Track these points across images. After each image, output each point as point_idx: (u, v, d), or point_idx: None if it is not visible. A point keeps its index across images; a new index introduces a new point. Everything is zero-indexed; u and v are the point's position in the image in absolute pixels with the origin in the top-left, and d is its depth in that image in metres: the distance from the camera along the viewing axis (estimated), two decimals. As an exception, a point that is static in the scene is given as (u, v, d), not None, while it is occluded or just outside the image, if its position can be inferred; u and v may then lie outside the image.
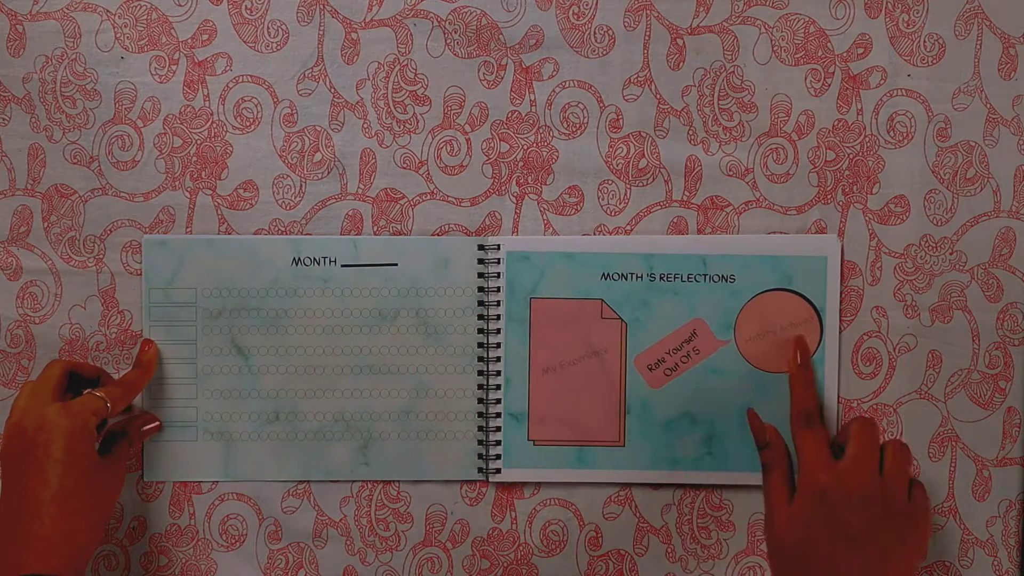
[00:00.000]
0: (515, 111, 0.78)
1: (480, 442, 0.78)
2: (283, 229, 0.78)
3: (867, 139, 0.78)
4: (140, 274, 0.77)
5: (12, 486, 0.68)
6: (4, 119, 0.77)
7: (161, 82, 0.77)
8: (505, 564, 0.79)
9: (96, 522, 0.69)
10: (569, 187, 0.78)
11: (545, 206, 0.78)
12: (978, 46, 0.78)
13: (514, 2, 0.78)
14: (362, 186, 0.78)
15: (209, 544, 0.79)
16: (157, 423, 0.77)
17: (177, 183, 0.78)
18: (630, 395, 0.78)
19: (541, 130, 0.78)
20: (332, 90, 0.78)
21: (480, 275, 0.78)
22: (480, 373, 0.78)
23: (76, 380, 0.74)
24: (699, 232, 0.78)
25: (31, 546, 0.66)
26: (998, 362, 0.78)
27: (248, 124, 0.78)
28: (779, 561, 0.70)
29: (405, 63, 0.78)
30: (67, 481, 0.67)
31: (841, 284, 0.78)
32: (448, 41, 0.78)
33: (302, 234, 0.78)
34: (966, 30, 0.78)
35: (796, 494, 0.70)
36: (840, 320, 0.78)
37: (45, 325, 0.78)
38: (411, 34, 0.78)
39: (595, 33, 0.78)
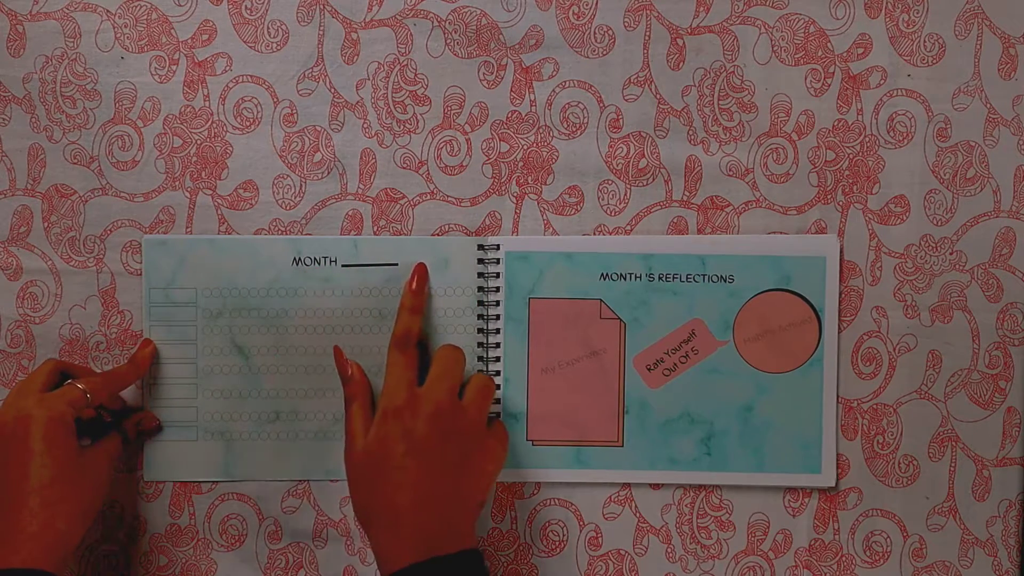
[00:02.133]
0: (515, 111, 0.78)
1: (479, 442, 0.78)
2: (283, 229, 0.78)
3: (867, 139, 0.78)
4: (140, 274, 0.78)
5: None
6: (4, 119, 0.77)
7: (161, 82, 0.77)
8: (505, 564, 0.79)
9: (78, 512, 0.68)
10: (569, 187, 0.78)
11: (545, 206, 0.78)
12: (978, 46, 0.78)
13: (514, 2, 0.78)
14: (362, 186, 0.78)
15: (209, 544, 0.79)
16: (156, 422, 0.77)
17: (177, 183, 0.78)
18: (629, 395, 0.78)
19: (541, 130, 0.78)
20: (332, 90, 0.78)
21: (480, 275, 0.78)
22: (479, 372, 0.78)
23: (67, 380, 0.73)
24: (699, 232, 0.78)
25: (8, 540, 0.66)
26: (998, 362, 0.78)
27: (248, 124, 0.78)
28: (358, 483, 0.71)
29: (405, 63, 0.78)
30: (45, 471, 0.67)
31: (841, 284, 0.78)
32: (448, 41, 0.78)
33: (302, 234, 0.78)
34: (966, 30, 0.78)
35: (376, 415, 0.71)
36: (840, 320, 0.78)
37: (45, 325, 0.78)
38: (411, 34, 0.78)
39: (595, 33, 0.78)
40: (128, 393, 0.78)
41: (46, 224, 0.77)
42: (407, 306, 0.76)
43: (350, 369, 0.75)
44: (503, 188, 0.78)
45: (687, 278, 0.78)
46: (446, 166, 0.78)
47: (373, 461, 0.70)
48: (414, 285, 0.76)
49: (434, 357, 0.74)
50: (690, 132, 0.78)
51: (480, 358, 0.78)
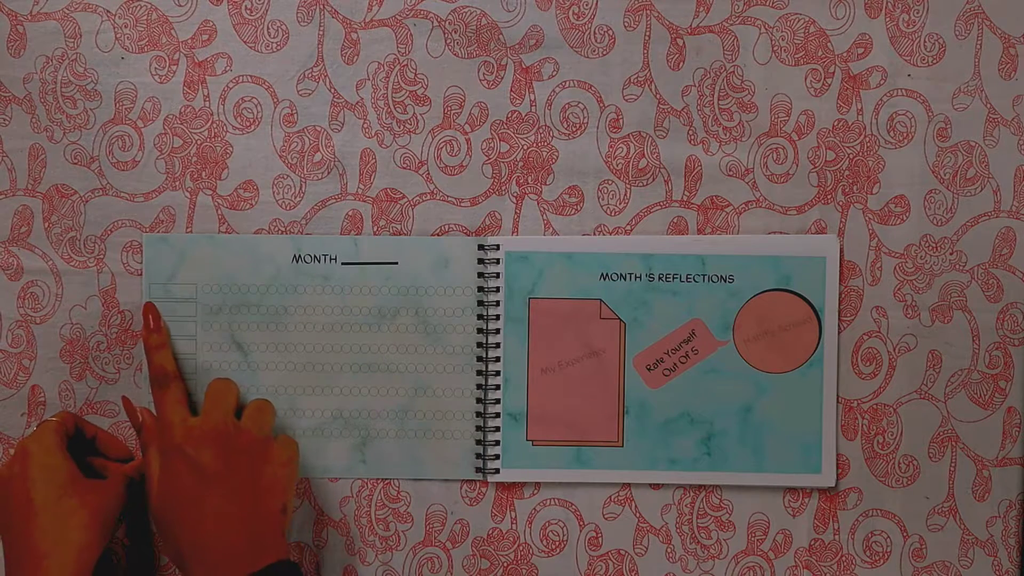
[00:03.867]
0: (515, 111, 0.78)
1: (478, 442, 0.78)
2: (283, 229, 0.78)
3: (867, 139, 0.78)
4: (140, 274, 0.78)
5: (5, 531, 0.70)
6: (5, 119, 0.77)
7: (161, 82, 0.77)
8: (505, 564, 0.79)
9: (94, 522, 0.69)
10: (569, 187, 0.78)
11: (545, 206, 0.78)
12: (978, 46, 0.78)
13: (514, 2, 0.78)
14: (362, 186, 0.78)
15: (209, 544, 0.79)
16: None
17: (177, 183, 0.78)
18: (629, 395, 0.78)
19: (541, 130, 0.78)
20: (332, 90, 0.78)
21: (480, 275, 0.78)
22: (479, 373, 0.78)
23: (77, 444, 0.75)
24: (699, 232, 0.78)
25: (27, 566, 0.67)
26: (998, 362, 0.78)
27: (248, 124, 0.78)
28: (162, 529, 0.70)
29: (405, 63, 0.78)
30: (50, 490, 0.69)
31: (841, 284, 0.78)
32: (448, 41, 0.78)
33: (302, 234, 0.78)
34: (966, 30, 0.78)
35: (162, 457, 0.71)
36: (840, 320, 0.78)
37: (46, 325, 0.78)
38: (411, 34, 0.78)
39: (595, 33, 0.78)
40: (128, 391, 0.78)
41: (47, 224, 0.78)
42: (151, 346, 0.76)
43: (140, 416, 0.74)
44: (503, 188, 0.78)
45: (687, 278, 0.78)
46: (446, 166, 0.78)
47: (169, 499, 0.70)
48: (150, 324, 0.77)
49: (206, 392, 0.74)
50: (690, 132, 0.78)
51: (480, 358, 0.78)
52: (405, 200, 0.78)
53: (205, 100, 0.78)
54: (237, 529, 0.69)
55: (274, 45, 0.78)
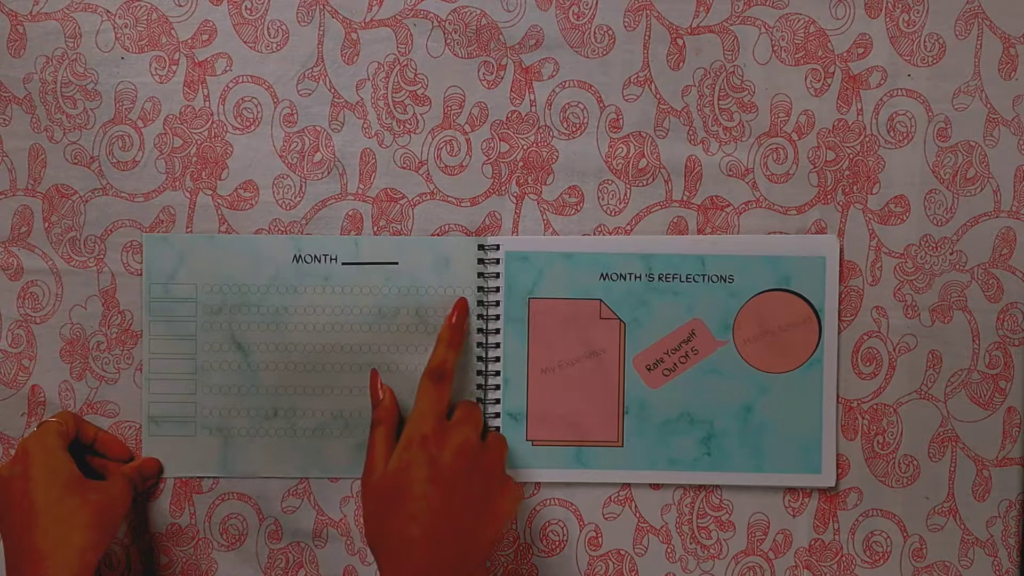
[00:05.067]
0: (515, 111, 0.78)
1: (479, 441, 0.78)
2: (283, 229, 0.78)
3: (867, 139, 0.78)
4: (140, 274, 0.78)
5: (6, 531, 0.70)
6: (5, 119, 0.77)
7: (161, 82, 0.77)
8: (505, 564, 0.79)
9: (94, 524, 0.69)
10: (569, 187, 0.78)
11: (545, 206, 0.78)
12: (978, 46, 0.78)
13: (514, 2, 0.78)
14: (362, 186, 0.78)
15: (209, 544, 0.79)
16: (157, 464, 0.78)
17: (177, 183, 0.78)
18: (629, 395, 0.78)
19: (541, 130, 0.78)
20: (332, 90, 0.78)
21: (480, 275, 0.78)
22: (479, 373, 0.78)
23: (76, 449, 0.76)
24: (699, 232, 0.78)
25: (29, 565, 0.67)
26: (998, 362, 0.78)
27: (248, 124, 0.78)
28: (376, 507, 0.70)
29: (405, 63, 0.78)
30: (52, 492, 0.69)
31: (841, 284, 0.78)
32: (448, 41, 0.78)
33: (302, 234, 0.78)
34: (966, 30, 0.78)
35: (400, 440, 0.71)
36: (840, 320, 0.78)
37: (46, 325, 0.78)
38: (411, 34, 0.78)
39: (595, 33, 0.78)
40: (128, 391, 0.78)
41: (47, 224, 0.78)
42: (445, 339, 0.76)
43: (382, 393, 0.75)
44: (503, 188, 0.78)
45: (687, 278, 0.78)
46: (446, 166, 0.78)
47: (393, 487, 0.70)
48: (454, 319, 0.76)
49: (456, 406, 0.74)
50: (690, 132, 0.78)
51: (480, 358, 0.78)
52: (405, 200, 0.78)
53: (205, 100, 0.78)
54: (448, 544, 0.68)
55: (274, 45, 0.78)
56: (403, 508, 0.69)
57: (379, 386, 0.76)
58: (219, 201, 0.78)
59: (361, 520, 0.79)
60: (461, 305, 0.77)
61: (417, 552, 0.67)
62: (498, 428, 0.78)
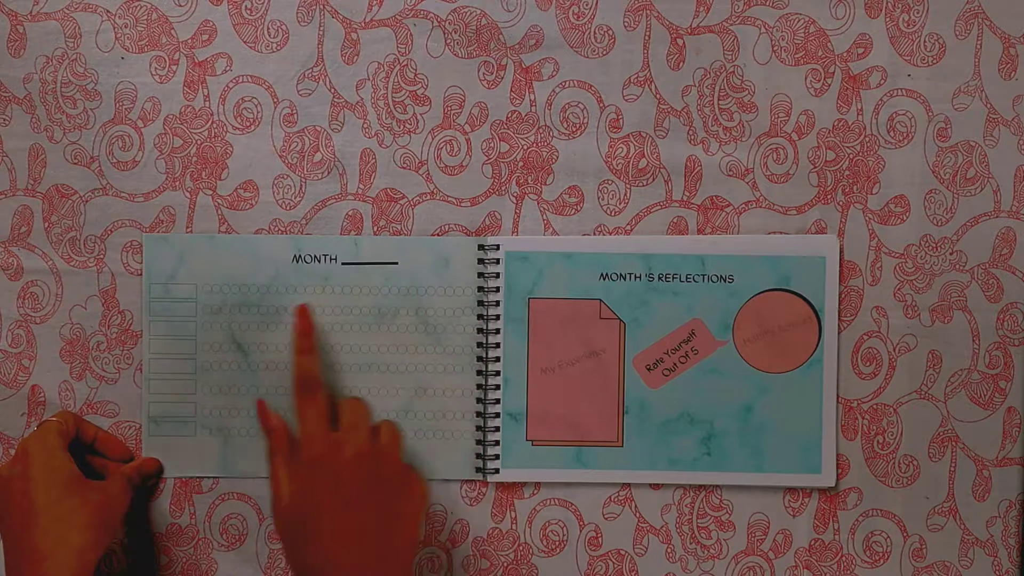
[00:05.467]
0: (515, 111, 0.78)
1: (478, 442, 0.78)
2: (283, 229, 0.78)
3: (867, 139, 0.78)
4: (140, 274, 0.78)
5: (6, 531, 0.70)
6: (5, 119, 0.77)
7: (161, 82, 0.77)
8: (505, 564, 0.79)
9: (93, 524, 0.69)
10: (569, 187, 0.78)
11: (545, 206, 0.78)
12: (978, 46, 0.78)
13: (514, 2, 0.78)
14: (362, 186, 0.78)
15: (209, 544, 0.79)
16: (156, 464, 0.78)
17: (177, 183, 0.78)
18: (628, 395, 0.78)
19: (541, 130, 0.78)
20: (332, 90, 0.78)
21: (480, 275, 0.78)
22: (479, 373, 0.78)
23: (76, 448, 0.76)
24: (699, 232, 0.78)
25: (29, 563, 0.67)
26: (998, 362, 0.78)
27: (248, 124, 0.78)
28: (288, 538, 0.69)
29: (405, 63, 0.78)
30: (51, 492, 0.69)
31: (841, 284, 0.78)
32: (448, 41, 0.78)
33: (302, 234, 0.78)
34: (966, 30, 0.78)
35: (295, 467, 0.70)
36: (840, 320, 0.78)
37: (46, 325, 0.78)
38: (411, 34, 0.78)
39: (595, 33, 0.78)
40: (128, 391, 0.78)
41: (47, 224, 0.78)
42: (299, 349, 0.75)
43: (272, 420, 0.73)
44: (503, 188, 0.78)
45: (687, 278, 0.78)
46: (446, 166, 0.78)
47: (302, 515, 0.68)
48: (299, 327, 0.76)
49: (340, 408, 0.73)
50: (690, 132, 0.78)
51: (480, 358, 0.78)
52: (405, 200, 0.78)
53: (205, 100, 0.78)
54: (371, 555, 0.67)
55: (274, 45, 0.78)
56: (315, 534, 0.67)
57: (269, 415, 0.73)
58: (219, 201, 0.78)
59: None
60: (301, 312, 0.76)
61: (341, 569, 0.67)
62: (497, 428, 0.78)
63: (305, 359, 0.74)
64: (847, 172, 0.78)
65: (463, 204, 0.78)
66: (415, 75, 0.78)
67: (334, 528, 0.67)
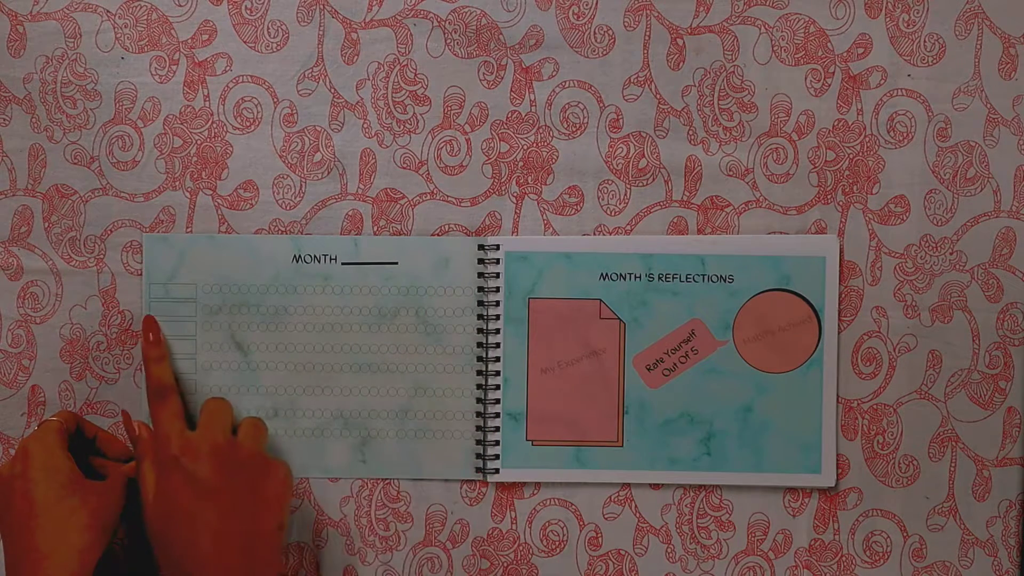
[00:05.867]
0: (515, 111, 0.78)
1: (478, 442, 0.78)
2: (283, 229, 0.78)
3: (867, 139, 0.78)
4: (140, 274, 0.78)
5: (6, 531, 0.70)
6: (5, 119, 0.77)
7: (161, 82, 0.77)
8: (505, 564, 0.79)
9: (94, 525, 0.69)
10: (569, 187, 0.78)
11: (545, 206, 0.78)
12: (978, 46, 0.78)
13: (514, 2, 0.78)
14: (362, 186, 0.78)
15: (209, 544, 0.79)
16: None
17: (177, 183, 0.78)
18: (628, 395, 0.78)
19: (541, 130, 0.78)
20: (332, 90, 0.78)
21: (480, 275, 0.78)
22: (479, 373, 0.78)
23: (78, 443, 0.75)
24: (699, 232, 0.78)
25: (29, 564, 0.67)
26: (998, 362, 0.78)
27: (248, 124, 0.78)
28: (158, 543, 0.69)
29: (405, 63, 0.78)
30: (50, 492, 0.69)
31: (841, 284, 0.78)
32: (448, 41, 0.78)
33: (302, 234, 0.78)
34: (966, 30, 0.78)
35: (155, 469, 0.71)
36: (840, 320, 0.78)
37: (46, 325, 0.78)
38: (411, 34, 0.78)
39: (595, 33, 0.78)
40: (128, 391, 0.78)
41: (47, 224, 0.78)
42: (150, 358, 0.76)
43: (135, 429, 0.74)
44: (503, 188, 0.78)
45: (687, 278, 0.78)
46: (446, 166, 0.78)
47: (165, 513, 0.69)
48: (150, 337, 0.77)
49: (201, 409, 0.75)
50: (690, 132, 0.78)
51: (480, 358, 0.78)
52: (405, 200, 0.78)
53: (205, 100, 0.78)
54: (234, 545, 0.68)
55: (274, 45, 0.78)
56: (182, 530, 0.68)
57: (133, 424, 0.74)
58: (219, 201, 0.78)
59: (362, 520, 0.79)
60: (147, 323, 0.77)
61: (209, 565, 0.67)
62: (497, 428, 0.78)
63: (156, 367, 0.76)
64: (847, 172, 0.78)
65: (463, 204, 0.78)
66: (415, 75, 0.78)
67: (193, 522, 0.68)
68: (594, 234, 0.78)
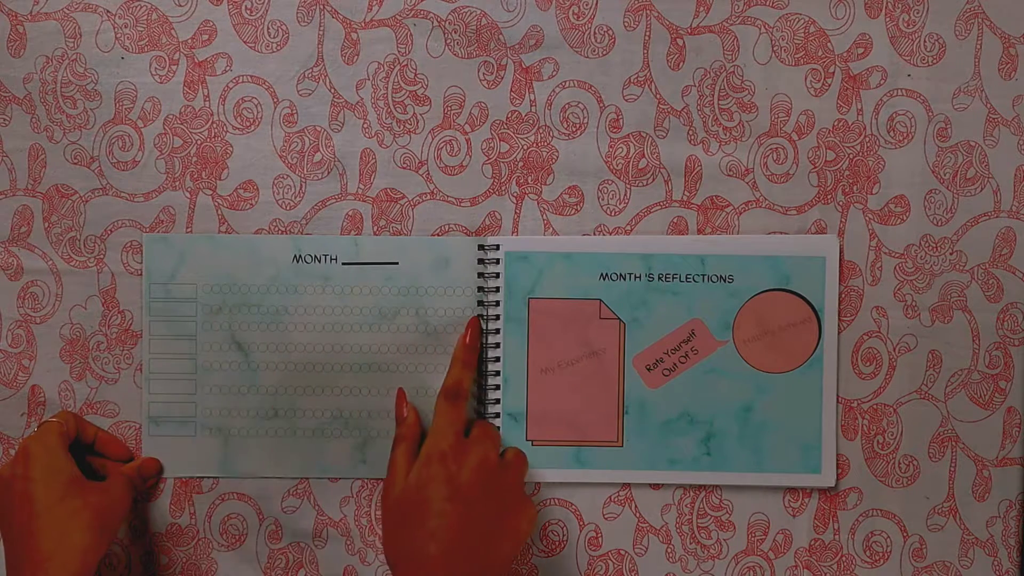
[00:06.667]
0: (515, 111, 0.78)
1: (479, 441, 0.78)
2: (283, 229, 0.78)
3: (867, 139, 0.78)
4: (140, 274, 0.78)
5: (7, 532, 0.70)
6: (5, 119, 0.77)
7: (161, 82, 0.77)
8: (505, 564, 0.79)
9: (95, 525, 0.69)
10: (569, 187, 0.78)
11: (545, 206, 0.78)
12: (978, 46, 0.78)
13: (514, 2, 0.78)
14: (362, 186, 0.78)
15: (209, 544, 0.79)
16: (156, 464, 0.78)
17: (177, 183, 0.78)
18: (628, 395, 0.78)
19: (541, 130, 0.78)
20: (332, 90, 0.78)
21: (480, 275, 0.78)
22: (479, 373, 0.78)
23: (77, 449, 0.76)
24: (699, 232, 0.78)
25: (30, 564, 0.67)
26: (998, 362, 0.78)
27: (248, 124, 0.78)
28: (392, 524, 0.70)
29: (405, 63, 0.78)
30: (52, 492, 0.69)
31: (841, 284, 0.78)
32: (448, 41, 0.78)
33: (302, 234, 0.78)
34: (966, 30, 0.78)
35: (419, 457, 0.71)
36: (840, 320, 0.78)
37: (46, 325, 0.78)
38: (411, 34, 0.78)
39: (595, 33, 0.78)
40: (128, 391, 0.78)
41: (47, 224, 0.78)
42: (460, 359, 0.76)
43: (406, 411, 0.76)
44: (503, 188, 0.78)
45: (687, 278, 0.78)
46: (446, 166, 0.78)
47: (412, 504, 0.70)
48: (468, 339, 0.77)
49: (474, 424, 0.75)
50: (690, 132, 0.78)
51: (480, 358, 0.78)
52: (405, 200, 0.78)
53: (205, 100, 0.78)
54: (469, 558, 0.68)
55: (274, 45, 0.78)
56: (421, 525, 0.68)
57: (404, 404, 0.76)
58: (219, 201, 0.78)
59: (362, 520, 0.79)
60: (474, 324, 0.77)
61: (434, 569, 0.67)
62: (497, 428, 0.78)
63: (461, 370, 0.76)
64: (847, 172, 0.78)
65: (463, 204, 0.78)
66: (415, 75, 0.78)
67: (439, 525, 0.68)
68: (594, 234, 0.78)
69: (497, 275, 0.78)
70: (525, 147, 0.78)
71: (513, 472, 0.73)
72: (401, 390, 0.77)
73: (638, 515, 0.79)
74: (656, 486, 0.79)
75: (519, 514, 0.71)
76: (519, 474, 0.74)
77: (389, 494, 0.71)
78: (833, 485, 0.78)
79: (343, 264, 0.78)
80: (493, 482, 0.71)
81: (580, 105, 0.78)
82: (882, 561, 0.79)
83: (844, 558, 0.79)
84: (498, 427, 0.78)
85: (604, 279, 0.78)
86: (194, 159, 0.78)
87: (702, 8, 0.78)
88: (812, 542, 0.79)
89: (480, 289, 0.78)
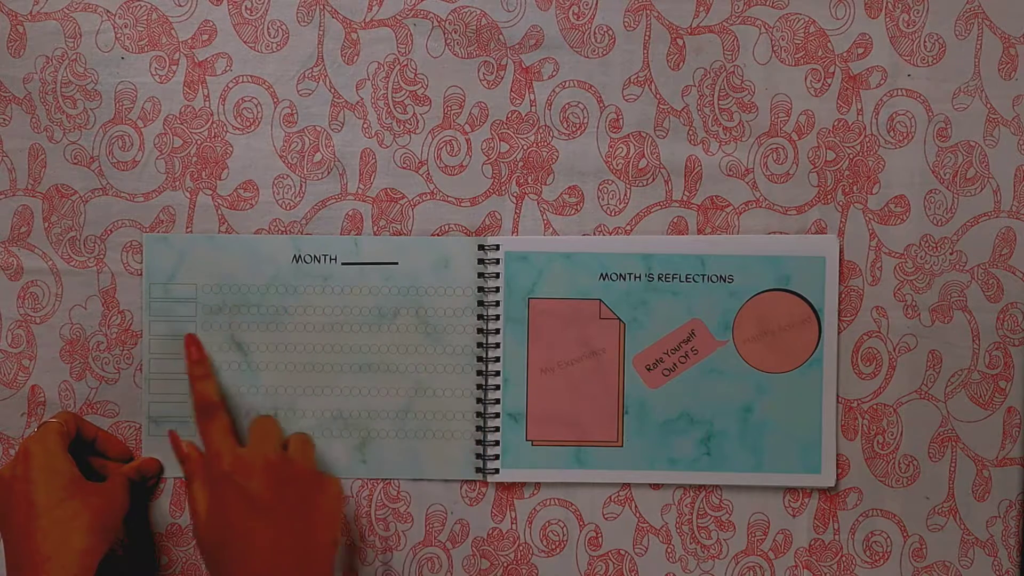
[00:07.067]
0: (515, 111, 0.78)
1: (478, 442, 0.78)
2: (283, 229, 0.78)
3: (867, 139, 0.78)
4: (140, 274, 0.78)
5: (7, 533, 0.70)
6: (5, 119, 0.77)
7: (161, 82, 0.77)
8: (505, 564, 0.79)
9: (95, 527, 0.69)
10: (569, 187, 0.78)
11: (545, 206, 0.78)
12: (978, 46, 0.78)
13: (514, 2, 0.78)
14: (362, 186, 0.78)
15: (209, 543, 0.79)
16: (156, 464, 0.78)
17: (177, 183, 0.78)
18: (628, 395, 0.78)
19: (541, 130, 0.78)
20: (332, 90, 0.78)
21: (480, 275, 0.78)
22: (479, 373, 0.78)
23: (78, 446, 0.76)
24: (699, 232, 0.78)
25: (30, 565, 0.67)
26: (998, 362, 0.78)
27: (248, 124, 0.78)
28: (210, 560, 0.70)
29: (405, 63, 0.78)
30: (52, 494, 0.69)
31: (841, 284, 0.78)
32: (448, 41, 0.78)
33: (302, 234, 0.78)
34: (966, 30, 0.78)
35: (207, 486, 0.71)
36: (840, 320, 0.78)
37: (46, 325, 0.78)
38: (411, 34, 0.78)
39: (595, 33, 0.78)
40: (128, 391, 0.78)
41: (47, 224, 0.78)
42: (195, 376, 0.76)
43: (184, 448, 0.75)
44: (503, 188, 0.78)
45: (687, 278, 0.78)
46: (446, 166, 0.78)
47: (218, 530, 0.69)
48: (193, 355, 0.77)
49: (250, 427, 0.75)
50: (690, 132, 0.78)
51: (480, 358, 0.78)
52: (405, 200, 0.78)
53: (205, 100, 0.78)
54: (289, 561, 0.68)
55: (274, 45, 0.78)
56: (234, 549, 0.68)
57: (181, 445, 0.75)
58: (219, 201, 0.78)
59: (362, 520, 0.79)
60: (189, 341, 0.77)
61: None
62: (497, 428, 0.78)
63: (201, 384, 0.76)
64: (847, 172, 0.78)
65: (463, 204, 0.78)
66: (415, 75, 0.78)
67: (248, 538, 0.68)
68: (594, 234, 0.78)
69: (497, 275, 0.78)
70: (525, 147, 0.78)
71: (299, 459, 0.73)
72: (173, 432, 0.76)
73: (638, 515, 0.79)
74: (656, 486, 0.79)
75: (320, 494, 0.71)
76: (307, 458, 0.74)
77: (196, 530, 0.71)
78: (833, 485, 0.78)
79: (343, 264, 0.78)
80: (283, 478, 0.71)
81: (580, 105, 0.78)
82: (882, 561, 0.79)
83: (844, 558, 0.79)
84: (495, 423, 0.78)
85: (604, 279, 0.78)
86: (194, 159, 0.78)
87: (702, 8, 0.78)
88: (812, 542, 0.79)
89: (480, 289, 0.78)
